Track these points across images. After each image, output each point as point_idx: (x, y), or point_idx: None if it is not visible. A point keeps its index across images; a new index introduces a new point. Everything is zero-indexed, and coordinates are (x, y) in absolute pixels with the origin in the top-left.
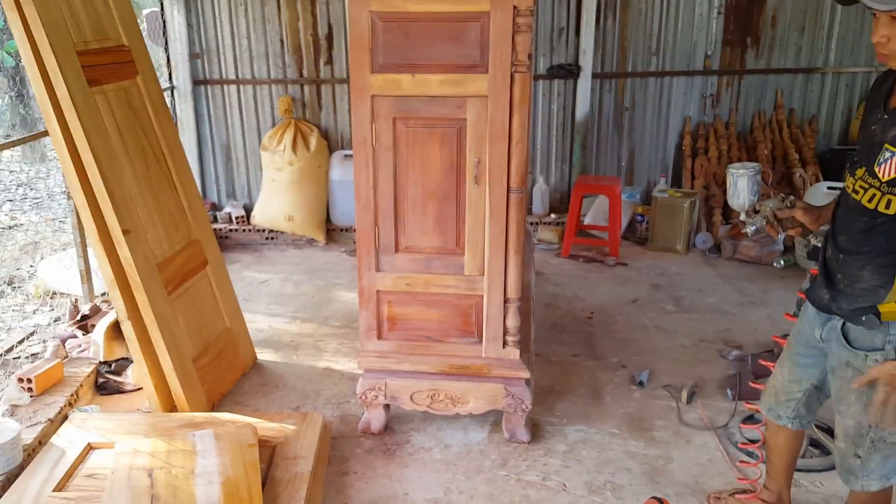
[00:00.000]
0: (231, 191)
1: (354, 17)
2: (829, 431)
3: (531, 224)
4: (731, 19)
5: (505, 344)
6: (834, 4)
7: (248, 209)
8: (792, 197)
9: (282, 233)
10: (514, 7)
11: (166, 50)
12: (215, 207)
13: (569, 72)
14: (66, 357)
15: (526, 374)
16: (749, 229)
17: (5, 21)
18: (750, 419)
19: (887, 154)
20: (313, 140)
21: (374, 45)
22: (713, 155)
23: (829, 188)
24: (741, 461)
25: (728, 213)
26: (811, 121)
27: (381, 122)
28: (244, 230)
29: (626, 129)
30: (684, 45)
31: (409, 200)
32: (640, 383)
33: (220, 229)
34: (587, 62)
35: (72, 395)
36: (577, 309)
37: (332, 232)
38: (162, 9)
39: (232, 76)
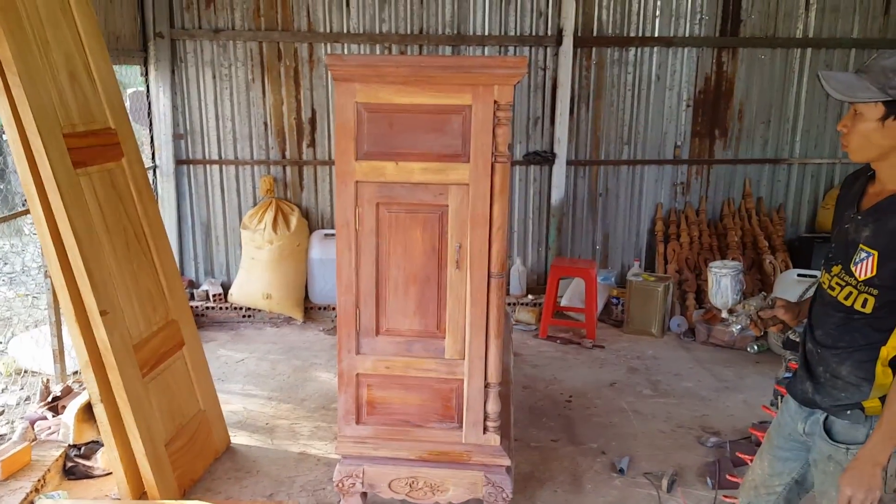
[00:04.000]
0: (209, 268)
1: (340, 107)
2: None
3: (509, 304)
4: (700, 111)
5: (486, 430)
6: (799, 99)
7: (226, 287)
8: (773, 296)
9: (259, 311)
10: (495, 101)
11: (150, 129)
12: (193, 285)
13: (544, 158)
14: (35, 440)
15: (507, 462)
16: (734, 328)
17: None
18: None
19: (863, 254)
20: (294, 219)
21: (359, 133)
22: (685, 240)
23: (798, 275)
24: None
25: (701, 297)
26: (779, 209)
27: (364, 206)
28: (221, 308)
29: (601, 213)
30: (655, 136)
31: (390, 283)
32: (621, 470)
33: (197, 307)
34: (562, 150)
35: (39, 480)
36: (556, 392)
37: (311, 310)
38: (147, 89)
39: (215, 156)
